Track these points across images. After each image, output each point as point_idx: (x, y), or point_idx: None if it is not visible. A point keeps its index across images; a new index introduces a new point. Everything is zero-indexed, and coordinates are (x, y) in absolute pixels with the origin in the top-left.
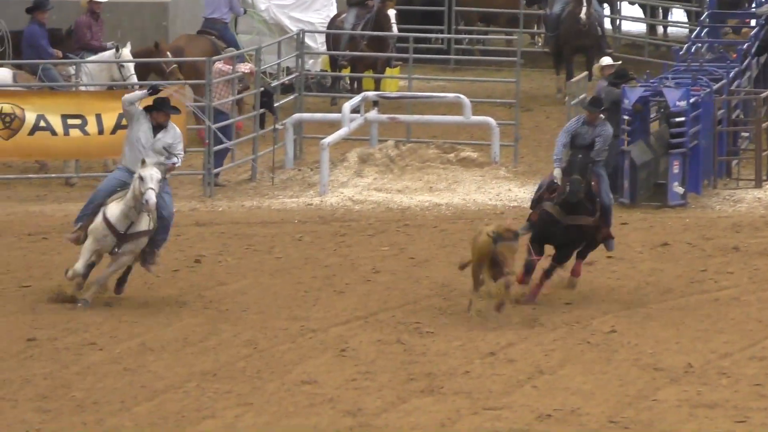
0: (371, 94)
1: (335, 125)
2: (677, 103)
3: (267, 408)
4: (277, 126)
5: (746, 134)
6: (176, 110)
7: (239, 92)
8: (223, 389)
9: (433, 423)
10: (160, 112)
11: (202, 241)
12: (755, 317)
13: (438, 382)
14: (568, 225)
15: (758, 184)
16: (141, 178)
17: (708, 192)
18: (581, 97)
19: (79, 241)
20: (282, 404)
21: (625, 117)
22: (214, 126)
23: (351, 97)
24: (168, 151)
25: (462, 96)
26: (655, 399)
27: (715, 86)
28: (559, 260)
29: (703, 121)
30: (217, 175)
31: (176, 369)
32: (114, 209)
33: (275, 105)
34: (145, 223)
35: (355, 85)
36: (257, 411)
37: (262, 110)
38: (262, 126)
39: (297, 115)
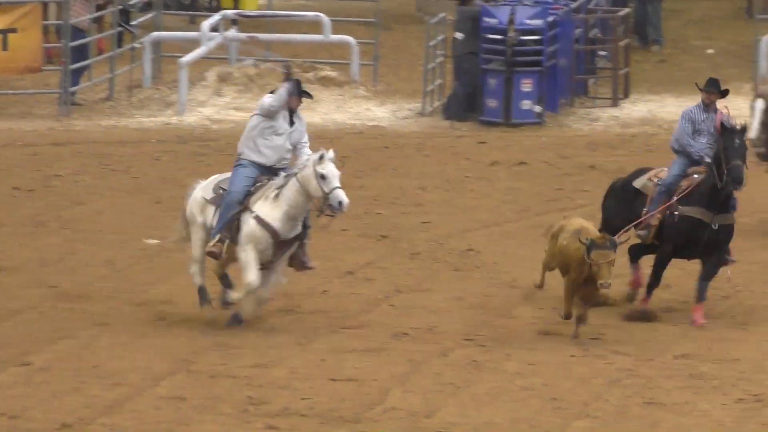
0: (230, 12)
1: (194, 44)
2: (525, 21)
3: (123, 328)
4: (135, 44)
5: (603, 53)
6: (309, 95)
7: (98, 10)
8: (80, 309)
9: (290, 342)
10: (294, 96)
11: (59, 160)
12: None
13: (295, 301)
14: (718, 227)
15: (615, 103)
16: (323, 177)
17: (565, 110)
18: (441, 15)
19: (220, 255)
20: (138, 325)
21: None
22: (72, 44)
23: (210, 16)
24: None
25: (322, 15)
26: (511, 317)
27: (574, 5)
28: (708, 276)
29: (561, 40)
30: (73, 93)
31: (32, 289)
32: (272, 212)
33: (133, 23)
34: (300, 226)
35: (214, 4)
36: (113, 331)
37: (119, 28)
38: (119, 44)
39: (155, 34)
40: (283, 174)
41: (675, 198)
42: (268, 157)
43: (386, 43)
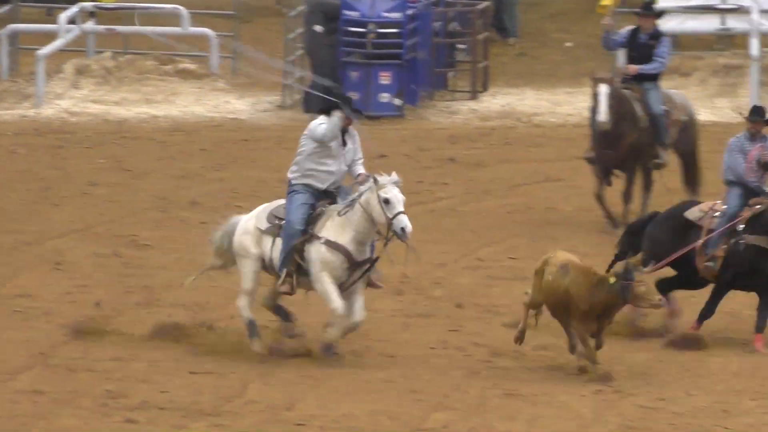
0: (88, 4)
1: (51, 36)
2: (384, 14)
3: None
4: None
5: (463, 46)
6: (362, 114)
7: None
8: None
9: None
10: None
11: None
12: (470, 228)
13: (155, 294)
14: None
15: (474, 96)
16: (387, 201)
17: (425, 103)
18: (300, 8)
19: (293, 291)
20: None
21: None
22: None
23: (67, 8)
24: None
25: (180, 7)
26: (370, 309)
27: None
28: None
29: (420, 33)
30: None
31: None
32: (341, 236)
33: None
34: (369, 250)
35: None
36: None
37: None
38: None
39: (12, 26)
40: (345, 199)
41: (740, 226)
42: (323, 181)
43: (246, 36)
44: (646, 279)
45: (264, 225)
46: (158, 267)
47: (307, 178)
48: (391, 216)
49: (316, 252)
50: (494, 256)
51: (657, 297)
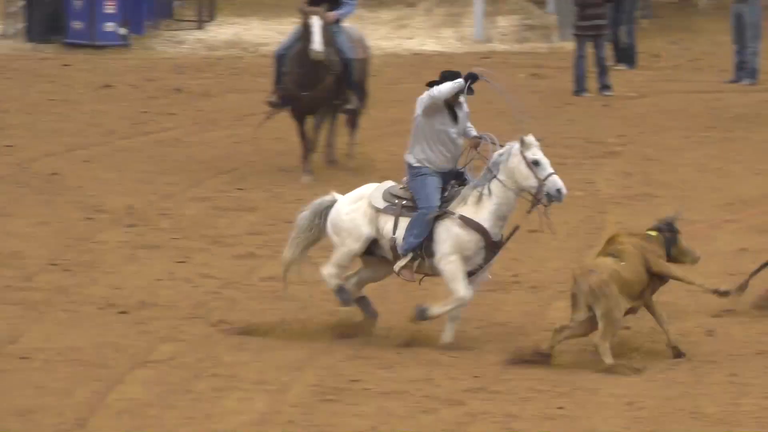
0: None
1: None
2: None
3: None
4: None
5: None
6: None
7: None
8: None
9: None
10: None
11: None
12: (198, 158)
13: None
14: None
15: (200, 26)
16: (536, 163)
17: (150, 33)
18: None
19: (412, 277)
20: None
21: None
22: None
23: None
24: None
25: None
26: (96, 241)
27: None
28: None
29: None
30: None
31: None
32: (478, 213)
33: None
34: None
35: None
36: None
37: None
38: None
39: None
40: (481, 174)
41: None
42: (448, 160)
43: None
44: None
45: (381, 204)
46: None
47: (433, 159)
48: (543, 177)
49: (449, 231)
50: (221, 186)
51: (698, 252)
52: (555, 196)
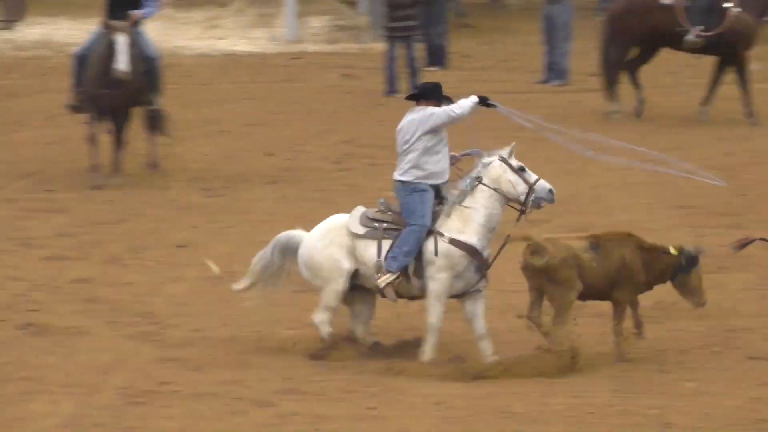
0: None
1: None
2: None
3: None
4: None
5: None
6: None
7: None
8: None
9: None
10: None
11: None
12: (5, 160)
13: None
14: None
15: (8, 26)
16: (523, 169)
17: None
18: None
19: (396, 297)
20: None
21: None
22: None
23: None
24: None
25: None
26: None
27: None
28: None
29: None
30: None
31: None
32: (466, 228)
33: None
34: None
35: None
36: None
37: None
38: None
39: None
40: (461, 184)
41: None
42: (441, 177)
43: None
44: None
45: (361, 229)
46: None
47: (428, 177)
48: (532, 182)
49: (437, 249)
50: (30, 188)
51: (706, 297)
52: (548, 198)
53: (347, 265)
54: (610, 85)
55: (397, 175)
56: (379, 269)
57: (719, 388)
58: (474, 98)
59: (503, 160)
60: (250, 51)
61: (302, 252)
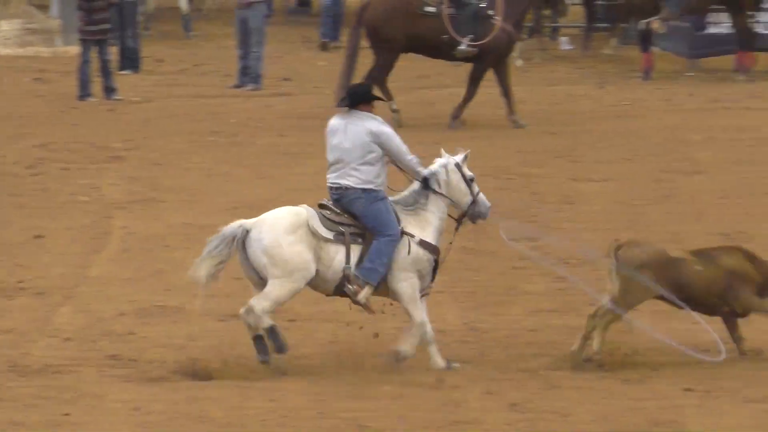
0: None
1: None
2: None
3: None
4: None
5: None
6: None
7: None
8: None
9: None
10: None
11: None
12: None
13: None
14: None
15: None
16: (472, 180)
17: None
18: None
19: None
20: None
21: None
22: None
23: None
24: None
25: None
26: None
27: None
28: None
29: None
30: None
31: None
32: (425, 231)
33: None
34: None
35: None
36: None
37: None
38: None
39: None
40: (411, 189)
41: None
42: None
43: None
44: None
45: (328, 233)
46: None
47: (383, 184)
48: (475, 195)
49: (410, 249)
50: None
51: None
52: (485, 214)
53: (314, 268)
54: (381, 89)
55: (352, 183)
56: (350, 278)
57: (416, 391)
58: (423, 175)
59: (458, 167)
60: None
61: (267, 240)
